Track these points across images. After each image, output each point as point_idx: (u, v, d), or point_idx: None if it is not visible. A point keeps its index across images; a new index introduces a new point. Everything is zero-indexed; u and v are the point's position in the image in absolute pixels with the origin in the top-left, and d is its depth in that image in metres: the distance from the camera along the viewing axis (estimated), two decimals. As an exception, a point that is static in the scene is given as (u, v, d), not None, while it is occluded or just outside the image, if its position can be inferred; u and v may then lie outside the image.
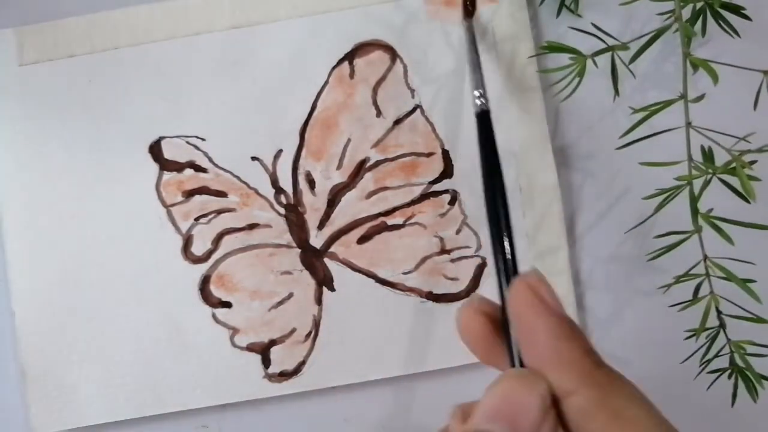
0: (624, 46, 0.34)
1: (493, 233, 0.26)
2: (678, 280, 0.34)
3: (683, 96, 0.32)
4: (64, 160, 0.38)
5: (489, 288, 0.38)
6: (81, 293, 0.38)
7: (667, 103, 0.32)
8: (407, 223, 0.38)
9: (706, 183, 0.32)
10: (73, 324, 0.37)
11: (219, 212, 0.38)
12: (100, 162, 0.38)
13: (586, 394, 0.21)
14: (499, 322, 0.24)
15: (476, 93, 0.32)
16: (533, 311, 0.23)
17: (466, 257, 0.38)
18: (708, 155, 0.32)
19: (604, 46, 0.34)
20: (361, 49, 0.39)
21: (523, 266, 0.37)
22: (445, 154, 0.38)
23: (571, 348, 0.22)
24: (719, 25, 0.35)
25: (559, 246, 0.38)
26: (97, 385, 0.37)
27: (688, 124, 0.32)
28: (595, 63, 0.34)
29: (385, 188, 0.38)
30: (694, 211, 0.32)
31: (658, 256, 0.34)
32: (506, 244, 0.25)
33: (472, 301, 0.25)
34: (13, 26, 0.38)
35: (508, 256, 0.25)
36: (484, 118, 0.30)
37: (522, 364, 0.23)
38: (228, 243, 0.38)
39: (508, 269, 0.25)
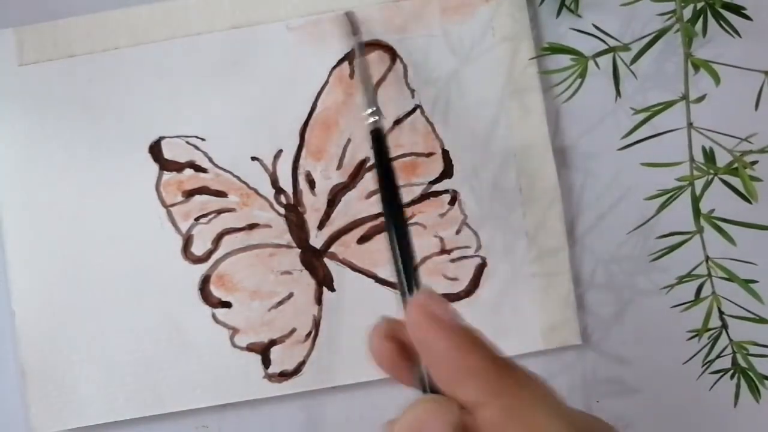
0: (625, 47, 0.34)
1: (395, 257, 0.25)
2: (680, 280, 0.34)
3: (684, 97, 0.32)
4: (64, 160, 0.38)
5: (489, 288, 0.38)
6: (81, 293, 0.38)
7: (669, 104, 0.32)
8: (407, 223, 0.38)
9: (708, 183, 0.32)
10: (73, 324, 0.37)
11: (219, 212, 0.38)
12: (100, 162, 0.38)
13: (495, 406, 0.21)
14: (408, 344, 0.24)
15: (369, 111, 0.31)
16: (429, 330, 0.22)
17: (466, 257, 0.38)
18: (709, 156, 0.32)
19: (604, 46, 0.34)
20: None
21: (523, 269, 0.37)
22: (445, 154, 0.38)
23: (474, 359, 0.22)
24: (720, 25, 0.35)
25: (559, 246, 0.38)
26: (97, 385, 0.37)
27: (690, 125, 0.32)
28: (596, 64, 0.34)
29: (386, 188, 0.38)
30: (696, 212, 0.32)
31: (661, 256, 0.34)
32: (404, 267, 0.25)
33: (381, 325, 0.25)
34: (13, 26, 0.39)
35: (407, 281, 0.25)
36: (377, 137, 0.29)
37: (432, 385, 0.23)
38: (228, 243, 0.38)
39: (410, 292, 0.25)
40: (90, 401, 0.37)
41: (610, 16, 0.38)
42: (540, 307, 0.37)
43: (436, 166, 0.38)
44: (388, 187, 0.27)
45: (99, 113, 0.38)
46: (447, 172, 0.38)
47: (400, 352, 0.24)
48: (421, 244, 0.38)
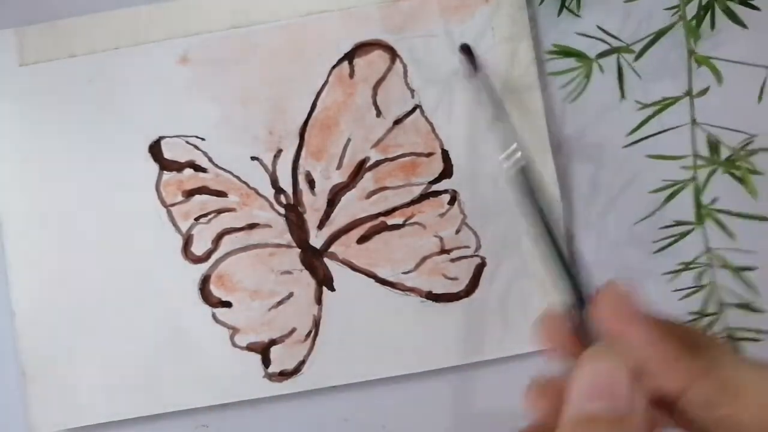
0: (629, 49, 0.34)
1: (560, 263, 0.27)
2: (686, 267, 0.34)
3: (689, 93, 0.32)
4: (64, 160, 0.38)
5: (489, 288, 0.38)
6: (81, 293, 0.38)
7: (673, 101, 0.32)
8: (407, 222, 0.38)
9: (711, 174, 0.32)
10: (73, 324, 0.37)
11: (219, 212, 0.38)
12: (100, 162, 0.38)
13: (701, 387, 0.22)
14: (576, 330, 0.25)
15: (510, 150, 0.30)
16: (624, 321, 0.23)
17: (465, 257, 0.38)
18: (714, 147, 0.32)
19: (606, 44, 0.34)
20: (361, 48, 0.39)
21: (523, 268, 0.38)
22: (445, 154, 0.38)
23: (669, 349, 0.23)
24: (727, 16, 0.35)
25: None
26: (97, 385, 0.37)
27: (693, 121, 0.32)
28: (600, 68, 0.34)
29: (385, 188, 0.38)
30: (698, 205, 0.32)
31: (664, 247, 0.34)
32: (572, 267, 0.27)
33: (550, 313, 0.26)
34: (13, 26, 0.39)
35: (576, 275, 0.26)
36: (525, 174, 0.29)
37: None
38: (228, 243, 0.38)
39: (580, 284, 0.26)
40: (90, 401, 0.37)
41: (609, 13, 0.38)
42: (540, 307, 0.37)
43: (436, 166, 0.38)
44: (547, 227, 0.27)
45: (99, 113, 0.38)
46: (447, 172, 0.38)
47: (570, 338, 0.25)
48: (421, 243, 0.38)
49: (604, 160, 0.39)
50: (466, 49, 0.37)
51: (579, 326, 0.25)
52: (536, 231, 0.27)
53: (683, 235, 0.33)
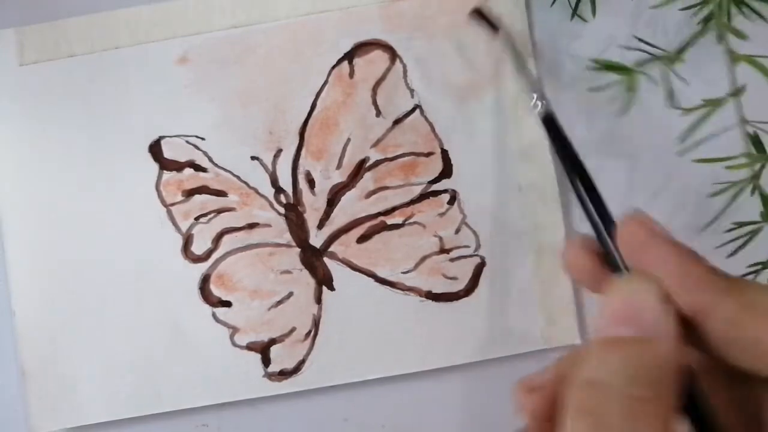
0: (670, 56, 0.33)
1: (584, 187, 0.27)
2: (762, 267, 0.33)
3: (732, 93, 0.32)
4: (64, 160, 0.38)
5: (489, 287, 0.38)
6: (81, 293, 0.38)
7: (717, 103, 0.32)
8: (407, 222, 0.38)
9: (760, 170, 0.32)
10: (72, 323, 0.37)
11: (219, 212, 0.38)
12: (100, 162, 0.38)
13: (729, 302, 0.22)
14: (602, 257, 0.25)
15: (533, 96, 0.31)
16: (650, 243, 0.23)
17: (465, 256, 0.38)
18: (757, 142, 0.32)
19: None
20: (360, 48, 0.39)
21: (523, 268, 0.38)
22: (444, 154, 0.38)
23: (696, 270, 0.22)
24: (746, 12, 0.35)
25: (559, 245, 0.38)
26: (97, 384, 0.37)
27: (742, 120, 0.32)
28: (643, 79, 0.34)
29: (385, 188, 0.38)
30: (765, 203, 0.32)
31: (735, 251, 0.33)
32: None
33: (576, 239, 0.26)
34: (13, 26, 0.39)
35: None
36: (549, 122, 0.30)
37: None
38: (228, 242, 0.38)
39: (604, 211, 0.26)
40: (90, 400, 0.37)
41: (619, 18, 0.38)
42: (540, 307, 0.38)
43: (436, 166, 0.38)
44: (573, 160, 0.28)
45: (99, 113, 0.38)
46: (446, 171, 0.38)
47: (597, 263, 0.25)
48: (421, 243, 0.38)
49: (635, 164, 0.39)
50: (478, 14, 0.37)
51: (606, 255, 0.25)
52: (564, 168, 0.28)
53: (754, 233, 0.33)
